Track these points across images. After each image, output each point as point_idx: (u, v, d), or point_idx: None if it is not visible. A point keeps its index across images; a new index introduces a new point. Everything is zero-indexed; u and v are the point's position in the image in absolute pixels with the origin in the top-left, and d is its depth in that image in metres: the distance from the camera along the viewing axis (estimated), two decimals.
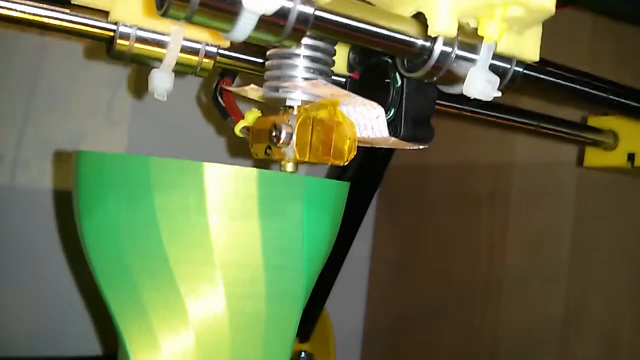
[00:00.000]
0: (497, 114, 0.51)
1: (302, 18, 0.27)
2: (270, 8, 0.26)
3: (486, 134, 0.76)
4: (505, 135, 0.74)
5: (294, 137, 0.34)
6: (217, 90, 0.43)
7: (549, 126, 0.55)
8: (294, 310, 0.37)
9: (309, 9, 0.27)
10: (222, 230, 0.33)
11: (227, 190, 0.33)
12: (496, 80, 0.32)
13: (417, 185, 0.85)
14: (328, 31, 0.30)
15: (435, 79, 0.33)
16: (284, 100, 0.35)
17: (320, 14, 0.29)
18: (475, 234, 0.77)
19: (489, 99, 0.32)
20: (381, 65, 0.38)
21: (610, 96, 0.41)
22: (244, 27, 0.27)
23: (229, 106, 0.42)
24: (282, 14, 0.27)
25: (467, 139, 0.78)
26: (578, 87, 0.40)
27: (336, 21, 0.30)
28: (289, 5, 0.27)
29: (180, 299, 0.34)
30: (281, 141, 0.34)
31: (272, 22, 0.27)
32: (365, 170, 0.67)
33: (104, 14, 0.35)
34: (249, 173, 0.33)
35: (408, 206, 0.87)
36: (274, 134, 0.34)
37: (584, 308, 0.66)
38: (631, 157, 0.60)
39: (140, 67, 0.38)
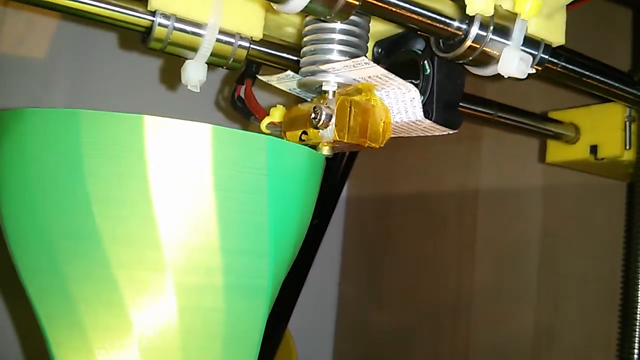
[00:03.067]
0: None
1: None
2: None
3: (451, 153, 0.76)
4: (469, 153, 0.74)
5: (334, 118, 0.35)
6: (235, 96, 0.44)
7: (508, 116, 0.54)
8: (259, 307, 0.30)
9: None
10: (168, 202, 0.27)
11: (173, 150, 0.27)
12: (529, 58, 0.33)
13: (383, 208, 0.85)
14: (375, 7, 0.31)
15: (470, 59, 0.34)
16: (321, 84, 0.36)
17: None
18: (443, 254, 0.77)
19: (524, 76, 0.33)
20: (409, 55, 0.39)
21: (627, 87, 0.42)
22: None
23: (250, 105, 0.43)
24: None
25: (431, 160, 0.78)
26: (598, 77, 0.41)
27: None
28: None
29: (117, 293, 0.27)
30: (321, 122, 0.34)
31: None
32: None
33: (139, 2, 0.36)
34: (201, 128, 0.28)
35: (374, 231, 0.86)
36: (313, 116, 0.35)
37: (555, 323, 0.65)
38: (594, 149, 0.59)
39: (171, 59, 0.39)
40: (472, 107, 0.52)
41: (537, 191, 0.68)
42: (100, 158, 0.27)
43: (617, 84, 0.43)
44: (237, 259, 0.29)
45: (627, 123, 0.57)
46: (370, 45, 0.41)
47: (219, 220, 0.28)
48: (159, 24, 0.36)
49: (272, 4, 0.28)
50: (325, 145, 0.36)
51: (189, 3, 0.36)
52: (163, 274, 0.27)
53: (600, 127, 0.59)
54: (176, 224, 0.27)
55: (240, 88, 0.44)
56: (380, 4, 0.31)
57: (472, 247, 0.73)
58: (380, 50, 0.41)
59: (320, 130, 0.35)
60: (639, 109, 0.53)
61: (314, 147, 0.37)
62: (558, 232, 0.66)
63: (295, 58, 0.41)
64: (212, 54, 0.38)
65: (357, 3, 0.29)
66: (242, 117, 0.44)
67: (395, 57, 0.40)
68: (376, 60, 0.42)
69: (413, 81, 0.38)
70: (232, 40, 0.38)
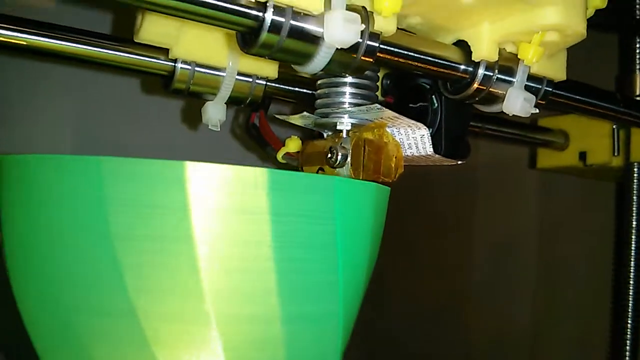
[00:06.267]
0: None
1: (370, 49, 0.30)
2: (348, 41, 0.29)
3: None
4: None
5: (349, 158, 0.37)
6: (250, 124, 0.45)
7: (495, 128, 0.55)
8: None
9: (375, 43, 0.31)
10: (217, 268, 0.23)
11: (223, 202, 0.23)
12: (532, 98, 0.36)
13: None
14: (388, 61, 0.33)
15: (477, 99, 0.37)
16: (335, 124, 0.38)
17: (383, 46, 0.32)
18: (441, 249, 0.78)
19: (528, 115, 0.36)
20: (417, 88, 0.41)
21: (626, 110, 0.45)
22: (320, 60, 0.30)
23: (267, 135, 0.45)
24: (354, 47, 0.30)
25: None
26: (598, 102, 0.44)
27: (395, 52, 0.33)
28: (359, 39, 0.30)
29: None
30: (337, 162, 0.37)
31: (344, 55, 0.30)
32: None
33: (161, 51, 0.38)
34: (256, 173, 0.23)
35: None
36: (330, 156, 0.37)
37: (553, 314, 0.68)
38: (582, 155, 0.61)
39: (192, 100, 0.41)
40: None
41: (534, 185, 0.70)
42: (129, 217, 0.22)
43: (606, 105, 0.45)
44: (301, 328, 0.25)
45: (615, 130, 0.59)
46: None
47: (279, 285, 0.24)
48: (181, 71, 0.38)
49: (292, 65, 0.30)
50: None
51: (208, 51, 0.38)
52: (213, 352, 0.23)
53: (589, 134, 0.61)
54: (227, 293, 0.23)
55: (254, 115, 0.46)
56: (392, 59, 0.33)
57: (470, 240, 0.75)
58: (388, 82, 0.43)
59: (337, 168, 0.37)
60: (626, 125, 0.56)
61: None
62: (554, 224, 0.68)
63: (311, 91, 0.43)
64: (230, 96, 0.40)
65: (371, 60, 0.31)
66: (257, 145, 0.46)
67: (402, 91, 0.43)
68: (385, 91, 0.44)
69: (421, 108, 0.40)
70: (250, 80, 0.40)
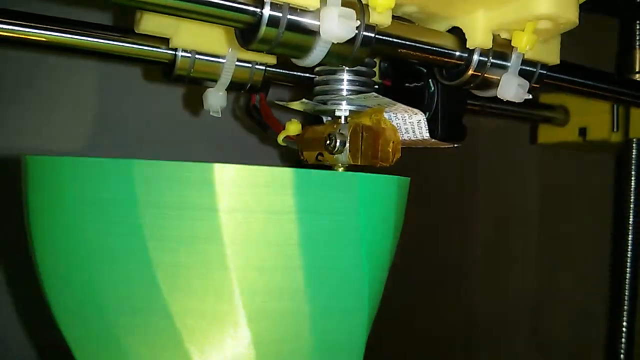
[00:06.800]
0: None
1: (366, 41, 0.31)
2: (344, 36, 0.29)
3: None
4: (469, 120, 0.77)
5: (347, 144, 0.38)
6: (250, 105, 0.46)
7: (497, 106, 0.55)
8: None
9: (371, 33, 0.31)
10: (247, 266, 0.24)
11: (250, 202, 0.24)
12: (526, 84, 0.36)
13: None
14: (385, 51, 0.33)
15: (472, 85, 0.37)
16: (333, 111, 0.39)
17: (379, 37, 0.32)
18: (444, 218, 0.79)
19: (521, 100, 0.36)
20: (414, 72, 0.42)
21: (620, 89, 0.45)
22: (317, 54, 0.30)
23: (267, 118, 0.45)
24: (350, 40, 0.31)
25: None
26: (594, 83, 0.44)
27: (391, 42, 0.33)
28: (355, 31, 0.31)
29: None
30: (336, 149, 0.38)
31: (341, 48, 0.31)
32: None
33: (161, 40, 0.39)
34: (282, 173, 0.24)
35: None
36: (328, 142, 0.38)
37: (554, 285, 0.69)
38: (582, 131, 0.62)
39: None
40: None
41: (535, 159, 0.71)
42: (160, 218, 0.23)
43: (603, 85, 0.46)
44: (328, 321, 0.26)
45: (614, 106, 0.60)
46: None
47: (307, 282, 0.24)
48: (182, 60, 0.39)
49: (291, 59, 0.31)
50: (340, 167, 0.39)
51: (207, 40, 0.38)
52: (243, 347, 0.24)
53: (589, 111, 0.62)
54: (257, 290, 0.24)
55: (255, 97, 0.47)
56: (388, 48, 0.33)
57: (472, 213, 0.76)
58: (386, 65, 0.44)
59: (336, 155, 0.38)
60: (626, 104, 0.56)
61: (331, 167, 0.40)
62: (555, 199, 0.69)
63: (310, 75, 0.44)
64: (231, 82, 0.40)
65: (367, 52, 0.31)
66: (258, 127, 0.47)
67: (399, 75, 0.43)
68: (383, 74, 0.45)
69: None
70: (250, 66, 0.41)
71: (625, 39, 0.58)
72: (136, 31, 0.37)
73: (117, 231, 0.24)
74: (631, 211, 0.60)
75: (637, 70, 0.57)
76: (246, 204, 0.24)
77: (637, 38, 0.57)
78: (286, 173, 0.24)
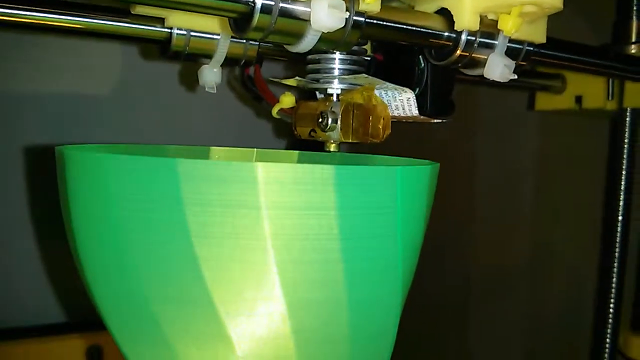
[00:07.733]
0: None
1: (356, 26, 0.32)
2: (334, 26, 0.30)
3: None
4: (467, 90, 0.78)
5: (339, 122, 0.39)
6: (245, 76, 0.47)
7: None
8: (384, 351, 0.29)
9: (361, 18, 0.32)
10: (288, 260, 0.25)
11: (292, 199, 0.25)
12: (512, 64, 0.37)
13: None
14: (375, 35, 0.34)
15: (460, 65, 0.38)
16: (325, 89, 0.40)
17: (369, 21, 0.33)
18: (442, 183, 0.80)
19: (506, 80, 0.37)
20: (405, 48, 0.43)
21: (607, 62, 0.46)
22: (309, 42, 0.31)
23: (262, 91, 0.46)
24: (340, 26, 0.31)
25: None
26: (578, 57, 0.45)
27: (381, 25, 0.34)
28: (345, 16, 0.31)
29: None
30: (328, 127, 0.39)
31: (331, 35, 0.32)
32: None
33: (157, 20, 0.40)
34: (324, 170, 0.25)
35: None
36: (320, 120, 0.39)
37: (550, 247, 0.71)
38: (578, 99, 0.63)
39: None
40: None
41: (532, 125, 0.72)
42: (205, 216, 0.24)
43: (597, 61, 0.46)
44: (365, 309, 0.27)
45: None
46: None
47: (346, 274, 0.26)
48: (177, 38, 0.39)
49: (284, 45, 0.32)
50: (332, 144, 0.40)
51: (201, 19, 0.39)
52: (284, 335, 0.26)
53: (585, 79, 0.63)
54: (298, 282, 0.25)
55: (249, 68, 0.48)
56: (377, 32, 0.34)
57: (471, 176, 0.77)
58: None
59: (328, 132, 0.40)
60: (613, 78, 0.57)
61: (323, 143, 0.41)
62: (552, 163, 0.71)
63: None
64: (225, 58, 0.41)
65: (358, 35, 0.32)
66: (253, 99, 0.48)
67: (391, 50, 0.44)
68: (375, 48, 0.45)
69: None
70: (243, 41, 0.42)
71: (623, 9, 0.58)
72: (132, 13, 0.38)
73: (163, 228, 0.25)
74: (623, 177, 0.61)
75: (633, 40, 0.57)
76: (288, 201, 0.25)
77: (635, 8, 0.57)
78: (327, 170, 0.25)
